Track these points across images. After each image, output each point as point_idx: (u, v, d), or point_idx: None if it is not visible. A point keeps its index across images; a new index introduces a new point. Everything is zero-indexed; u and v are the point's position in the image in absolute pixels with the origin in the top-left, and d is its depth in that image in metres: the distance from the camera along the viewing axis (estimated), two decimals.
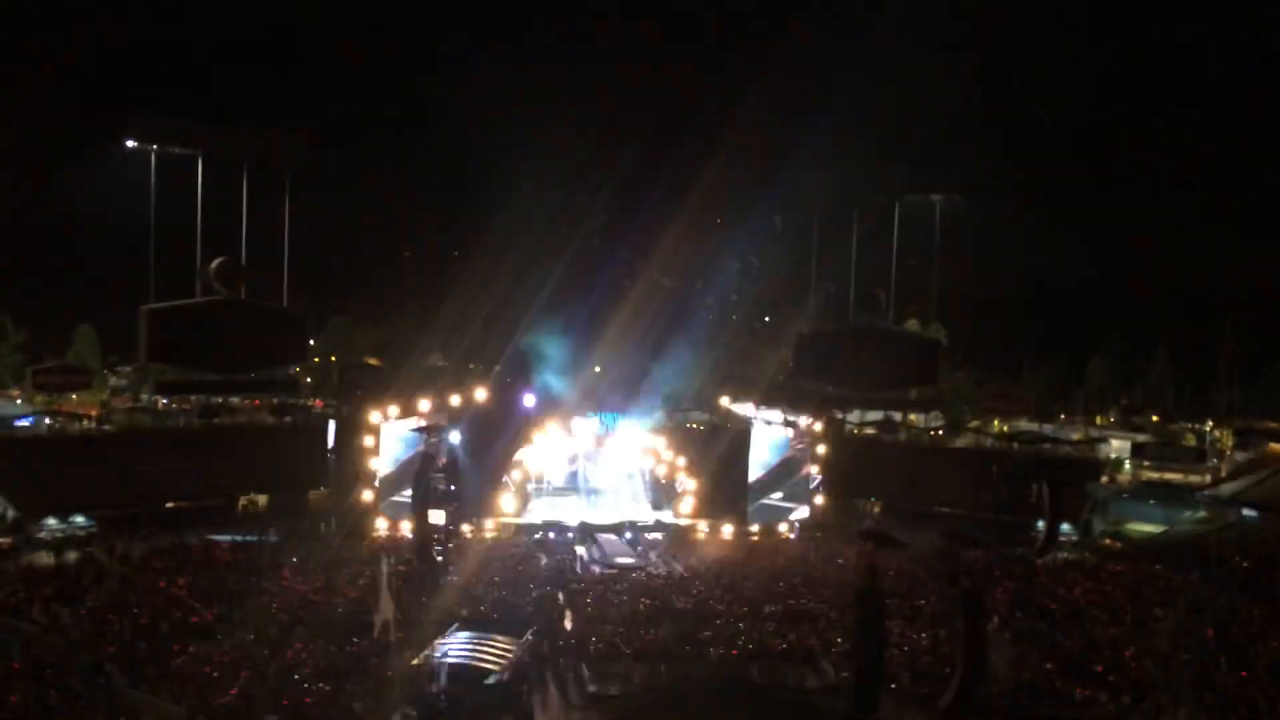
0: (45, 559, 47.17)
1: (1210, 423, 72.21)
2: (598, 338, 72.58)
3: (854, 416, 70.86)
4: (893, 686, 35.33)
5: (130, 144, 62.14)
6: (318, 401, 72.99)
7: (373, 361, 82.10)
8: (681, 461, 60.26)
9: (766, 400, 65.03)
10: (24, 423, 57.30)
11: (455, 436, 55.86)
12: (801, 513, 60.13)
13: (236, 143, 64.62)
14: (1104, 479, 62.53)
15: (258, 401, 64.98)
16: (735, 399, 63.04)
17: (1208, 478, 63.66)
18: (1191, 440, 71.04)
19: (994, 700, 34.88)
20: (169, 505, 56.69)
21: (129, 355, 67.38)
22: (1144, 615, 42.02)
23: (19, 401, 67.17)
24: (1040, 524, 56.48)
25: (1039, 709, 34.46)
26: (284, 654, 35.49)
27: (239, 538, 50.64)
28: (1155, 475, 65.22)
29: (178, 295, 62.41)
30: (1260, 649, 36.95)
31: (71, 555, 47.36)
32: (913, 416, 72.43)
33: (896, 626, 39.04)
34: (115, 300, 69.23)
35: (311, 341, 76.37)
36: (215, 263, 62.48)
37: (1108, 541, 56.88)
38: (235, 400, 64.28)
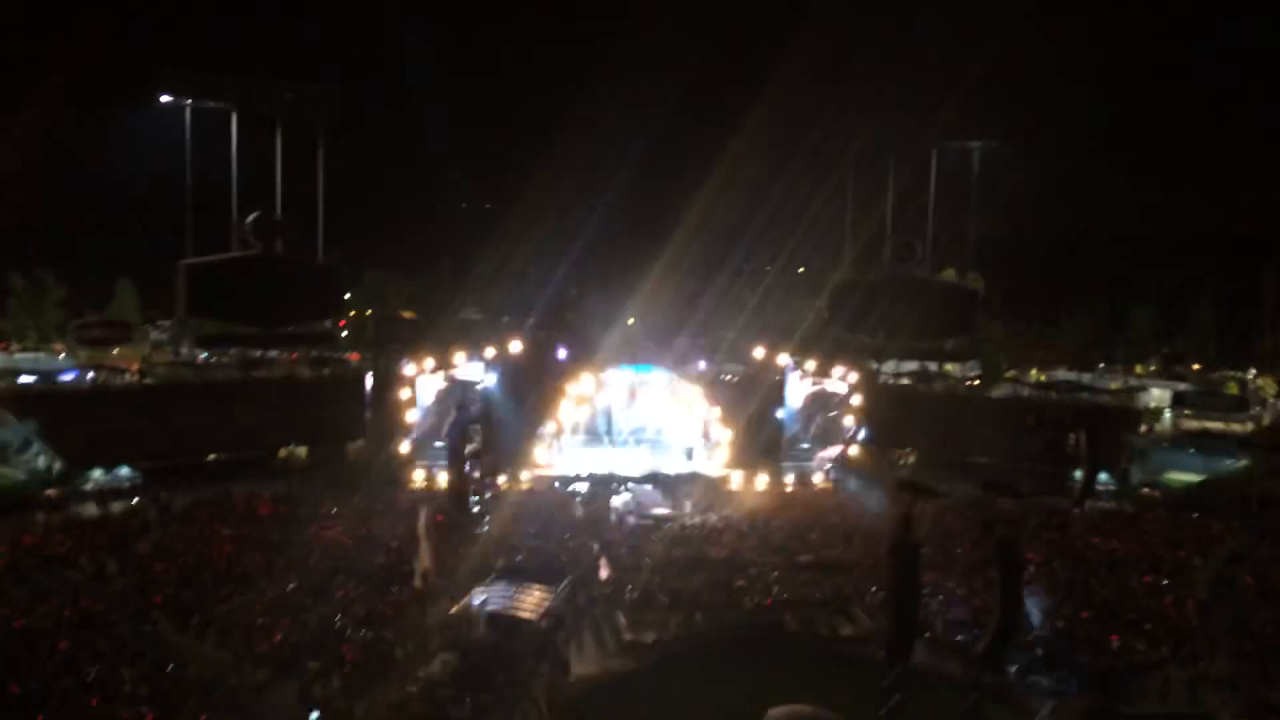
0: (92, 510, 48.19)
1: (1253, 371, 71.10)
2: (632, 289, 72.47)
3: (889, 367, 70.39)
4: (926, 635, 35.42)
5: (164, 99, 62.35)
6: (354, 355, 73.57)
7: (408, 314, 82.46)
8: (716, 412, 60.25)
9: (802, 351, 64.72)
10: (67, 377, 58.15)
11: (490, 387, 56.25)
12: (833, 455, 60.18)
13: (270, 96, 64.63)
14: (1143, 428, 61.86)
15: (295, 355, 65.50)
16: (770, 349, 62.81)
17: (1250, 426, 62.80)
18: (1233, 388, 69.98)
19: (1028, 648, 34.95)
20: (210, 457, 57.64)
21: (168, 310, 67.96)
22: (1182, 564, 41.79)
23: (61, 356, 68.24)
24: (1078, 473, 56.38)
25: (1074, 656, 34.46)
26: (325, 602, 36.16)
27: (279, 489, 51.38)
28: (1195, 424, 64.39)
29: (215, 250, 62.87)
30: None
31: (117, 506, 48.36)
32: (949, 366, 71.86)
33: (931, 576, 38.99)
34: (153, 256, 69.91)
35: (347, 295, 76.88)
36: (251, 217, 62.80)
37: (1146, 490, 56.42)
38: (273, 354, 64.80)
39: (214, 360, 64.18)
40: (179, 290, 61.29)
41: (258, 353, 64.29)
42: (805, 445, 61.73)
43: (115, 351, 65.29)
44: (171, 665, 30.75)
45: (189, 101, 62.64)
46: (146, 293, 78.97)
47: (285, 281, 63.54)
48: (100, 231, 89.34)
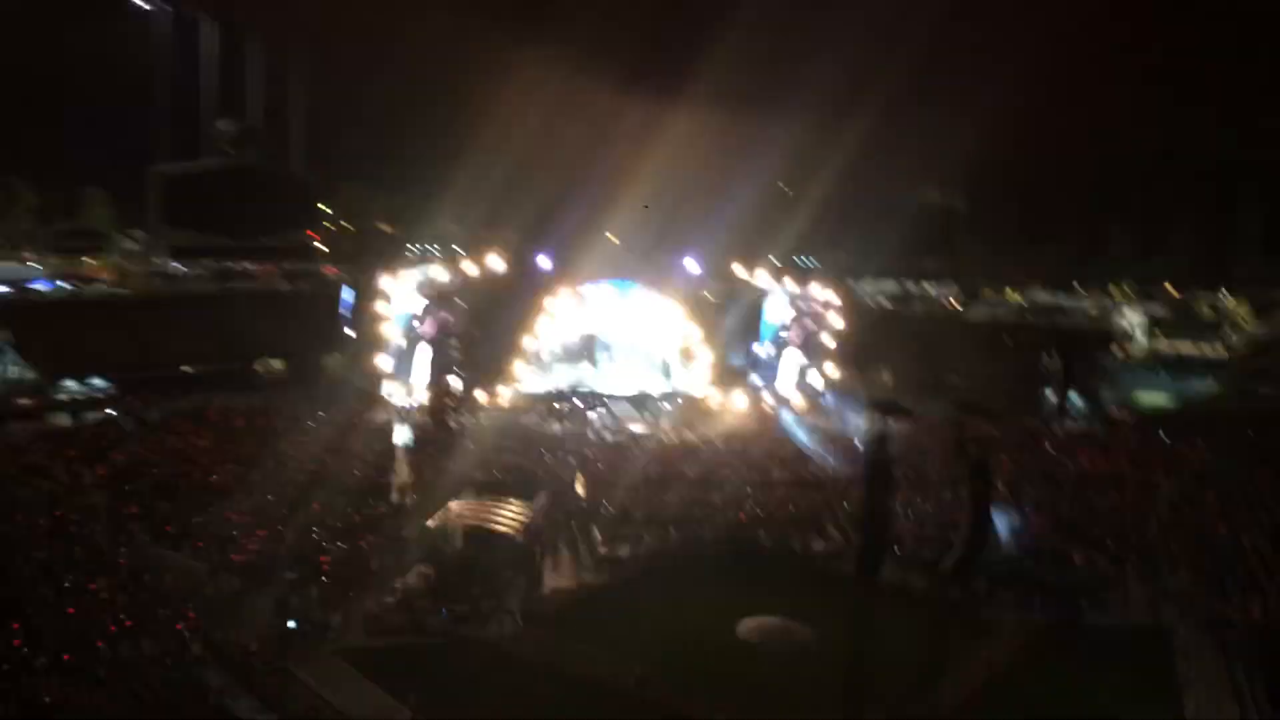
0: (66, 421, 47.98)
1: (1225, 293, 71.43)
2: (613, 201, 71.70)
3: (869, 287, 70.38)
4: (897, 551, 35.93)
5: (139, 2, 60.63)
6: (331, 268, 72.96)
7: (386, 228, 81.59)
8: (696, 330, 60.20)
9: (783, 270, 64.56)
10: (38, 286, 57.43)
11: (469, 305, 56.00)
12: (814, 383, 60.35)
13: (248, 3, 62.93)
14: (1116, 350, 62.33)
15: (272, 267, 64.87)
16: (750, 268, 62.59)
17: (1221, 350, 63.39)
18: (1207, 312, 70.39)
19: (996, 564, 35.56)
20: (185, 369, 57.32)
21: (140, 219, 67.01)
22: (1148, 483, 42.41)
23: (30, 264, 67.33)
24: (1052, 395, 56.97)
25: (1040, 572, 35.12)
26: (301, 514, 36.32)
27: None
28: (1168, 347, 64.98)
29: (188, 160, 61.81)
30: (1262, 515, 37.43)
31: (91, 417, 48.17)
32: (928, 286, 71.98)
33: (904, 494, 39.43)
34: (125, 163, 68.59)
35: (324, 207, 75.90)
36: (226, 126, 61.62)
37: (1117, 412, 57.05)
38: (250, 266, 64.14)
39: (189, 271, 63.48)
40: (152, 199, 60.42)
41: (233, 264, 63.61)
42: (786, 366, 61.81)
43: (88, 260, 64.51)
44: (147, 575, 30.87)
45: (165, 5, 60.93)
46: (117, 201, 77.73)
47: (259, 192, 62.74)
48: (69, 138, 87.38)
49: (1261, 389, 55.45)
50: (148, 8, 59.74)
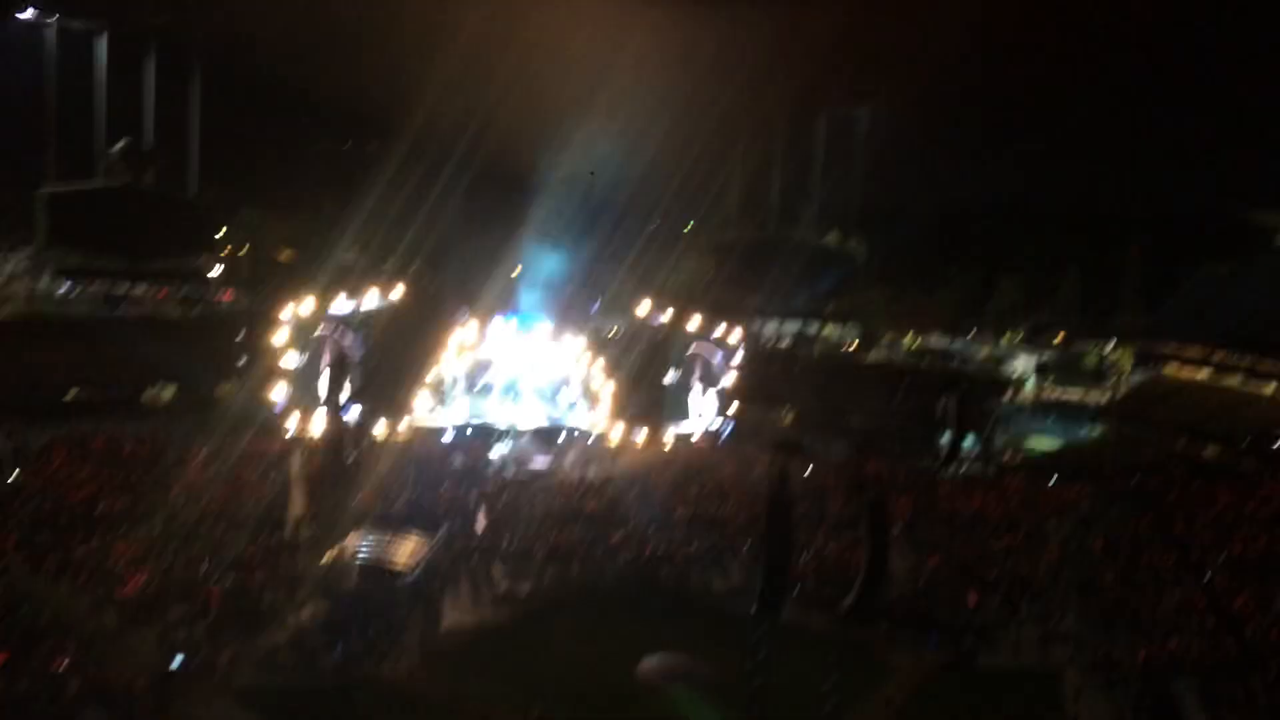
0: None
1: (1113, 343, 74.37)
2: (515, 237, 71.48)
3: (771, 329, 71.47)
4: (798, 589, 36.29)
5: (26, 15, 58.66)
6: (227, 294, 70.99)
7: (286, 255, 79.94)
8: (600, 366, 60.24)
9: (686, 308, 65.05)
10: None
11: (369, 333, 55.12)
12: (715, 421, 60.78)
13: (143, 16, 61.36)
14: (1007, 396, 64.37)
15: (165, 292, 62.89)
16: (654, 306, 62.99)
17: (1106, 396, 65.95)
18: (1093, 360, 73.21)
19: (893, 603, 36.20)
20: (70, 396, 55.07)
21: (24, 239, 64.40)
22: (1038, 526, 43.72)
23: None
24: (945, 438, 58.42)
25: (935, 611, 35.87)
26: (191, 547, 35.12)
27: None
28: (1056, 393, 67.35)
29: (77, 180, 59.81)
30: (1145, 558, 38.89)
31: None
32: (827, 328, 73.38)
33: (804, 533, 39.91)
34: (11, 182, 65.91)
35: (221, 232, 74.05)
36: (119, 145, 59.85)
37: (1008, 456, 58.78)
38: (139, 290, 62.08)
39: (75, 294, 61.14)
40: (38, 219, 58.21)
41: (123, 289, 61.53)
42: (687, 404, 62.20)
43: None
44: (26, 607, 29.45)
45: (54, 18, 59.05)
46: (2, 223, 74.64)
47: (154, 215, 61.07)
48: None
49: (1139, 434, 57.73)
50: (32, 19, 57.76)
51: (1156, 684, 29.89)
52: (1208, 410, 57.82)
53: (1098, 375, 69.85)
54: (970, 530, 43.53)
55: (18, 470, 41.59)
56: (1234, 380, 59.90)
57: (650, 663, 31.42)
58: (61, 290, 61.22)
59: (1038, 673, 32.27)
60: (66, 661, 26.67)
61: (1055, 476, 52.16)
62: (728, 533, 41.94)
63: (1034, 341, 76.74)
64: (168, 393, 58.35)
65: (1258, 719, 27.24)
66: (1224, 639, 32.21)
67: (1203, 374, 61.70)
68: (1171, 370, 63.89)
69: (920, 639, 34.26)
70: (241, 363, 59.70)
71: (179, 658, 28.14)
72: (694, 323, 61.97)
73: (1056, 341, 76.58)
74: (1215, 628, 33.01)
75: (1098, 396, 66.52)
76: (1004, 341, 77.05)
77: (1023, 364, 69.96)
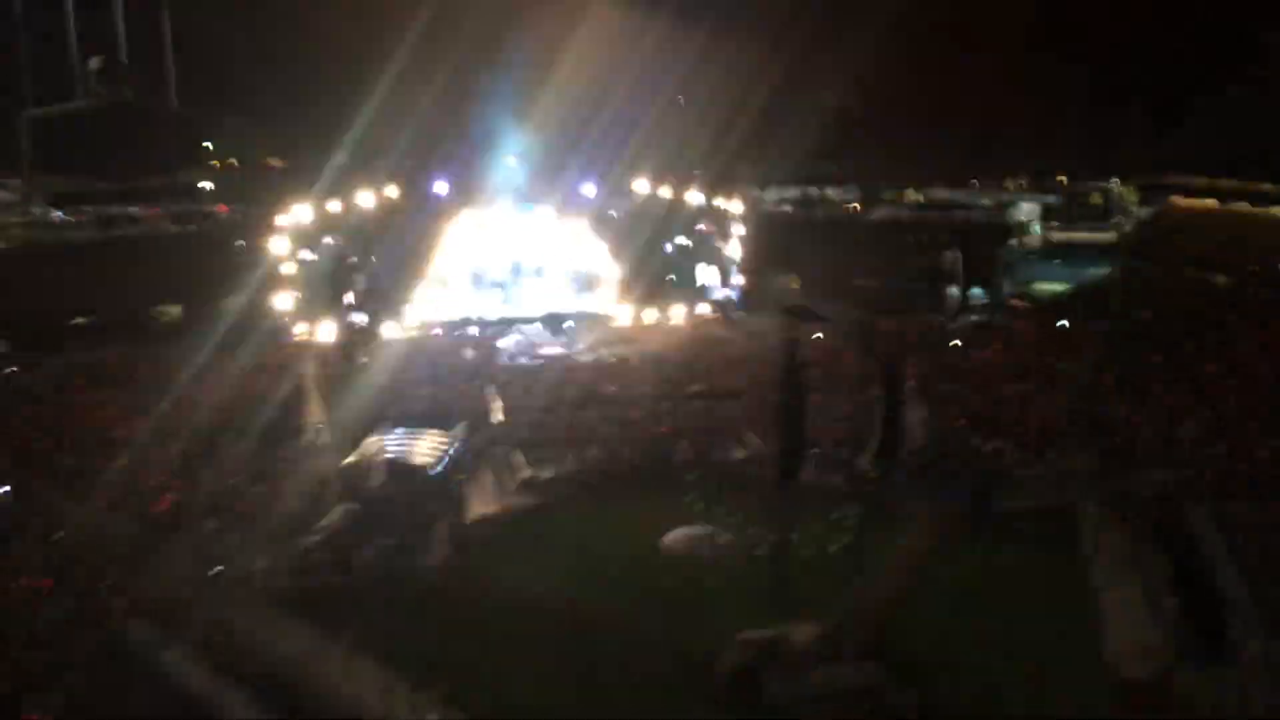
0: None
1: (1117, 180, 73.28)
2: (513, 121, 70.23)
3: (771, 195, 70.61)
4: (814, 451, 36.68)
5: None
6: (221, 206, 70.33)
7: (277, 162, 78.84)
8: (604, 248, 59.91)
9: (685, 181, 64.28)
10: None
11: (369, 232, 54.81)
12: (722, 293, 60.67)
13: None
14: (1014, 242, 63.86)
15: (158, 210, 62.30)
16: (655, 183, 62.22)
17: (1113, 235, 65.33)
18: (1098, 199, 72.25)
19: (909, 458, 36.70)
20: (77, 321, 55.11)
21: (12, 168, 63.63)
22: (1049, 370, 43.87)
23: None
24: (954, 289, 58.32)
25: (950, 462, 36.33)
26: (215, 461, 35.62)
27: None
28: (1062, 235, 66.73)
29: (57, 101, 58.69)
30: (1155, 394, 39.10)
31: None
32: (829, 191, 72.46)
33: (818, 397, 40.13)
34: None
35: (208, 144, 72.99)
36: (94, 64, 58.54)
37: (1016, 302, 58.61)
38: (134, 210, 61.52)
39: (70, 219, 60.67)
40: (23, 145, 57.42)
41: (116, 209, 60.99)
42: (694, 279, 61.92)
43: None
44: (61, 533, 30.09)
45: None
46: None
47: (138, 132, 60.03)
48: None
49: (1149, 269, 57.32)
50: None
51: (1170, 512, 30.41)
52: (1217, 240, 57.22)
53: (1104, 213, 69.06)
54: (984, 379, 43.75)
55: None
56: (1243, 207, 59.11)
57: (675, 535, 32.04)
58: (55, 215, 60.64)
59: (1054, 511, 32.75)
60: (107, 582, 27.30)
61: (1066, 319, 52.10)
62: (743, 403, 42.27)
63: (1037, 185, 75.70)
64: (173, 311, 58.33)
65: (1269, 537, 27.70)
66: (1236, 465, 32.57)
67: (1209, 203, 60.89)
68: (1178, 202, 63.04)
69: (937, 490, 34.74)
70: (244, 274, 59.52)
71: (217, 568, 28.77)
72: (694, 196, 61.37)
73: (1061, 182, 75.53)
74: (1228, 454, 33.35)
75: (1106, 235, 65.89)
76: (1007, 187, 76.02)
77: (1027, 209, 69.07)
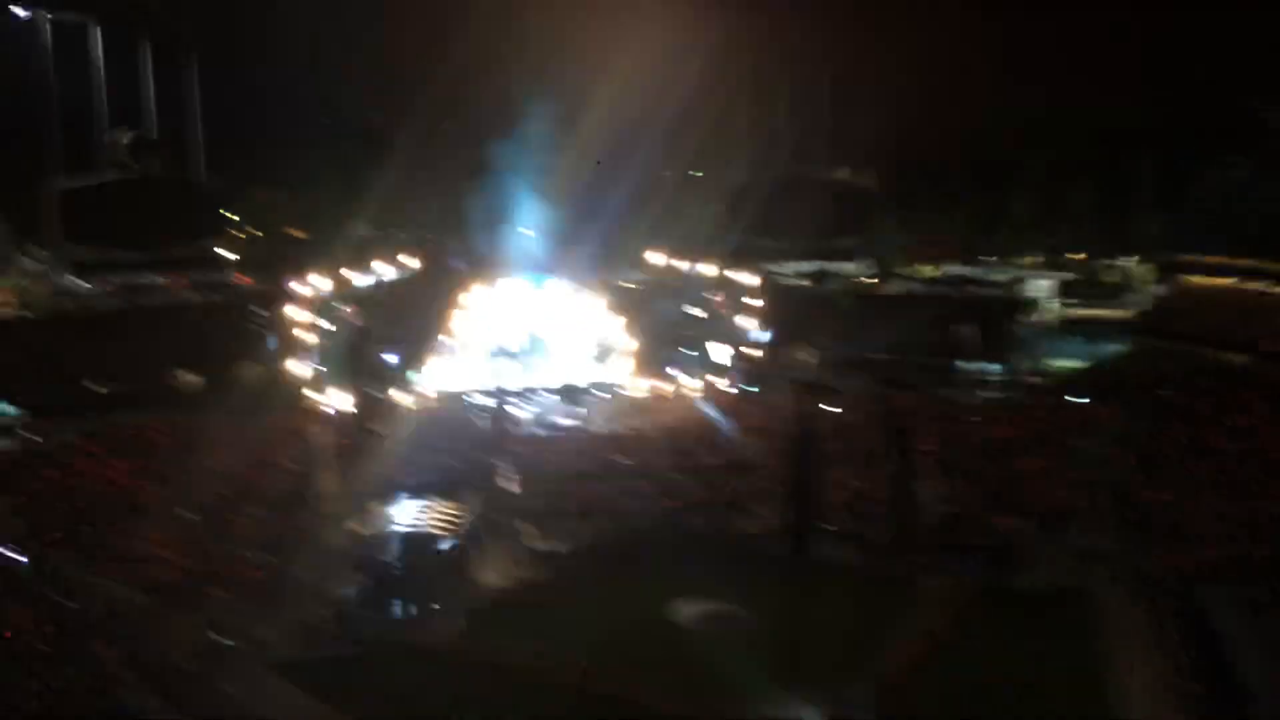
0: None
1: (1134, 258, 73.46)
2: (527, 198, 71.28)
3: (788, 268, 71.08)
4: (827, 527, 36.46)
5: (22, 13, 58.47)
6: (243, 276, 71.20)
7: (297, 233, 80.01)
8: (619, 321, 60.16)
9: (700, 256, 64.78)
10: None
11: (387, 304, 55.32)
12: (737, 366, 60.67)
13: (133, 6, 61.08)
14: (1029, 318, 63.88)
15: (182, 280, 63.15)
16: (670, 255, 62.75)
17: (1130, 312, 65.31)
18: (1114, 277, 72.42)
19: (926, 531, 36.37)
20: (98, 389, 55.59)
21: (38, 237, 64.74)
22: (1066, 446, 43.55)
23: None
24: (969, 364, 58.24)
25: (968, 537, 35.99)
26: (229, 529, 35.64)
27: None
28: (1079, 312, 66.74)
29: (83, 174, 59.95)
30: (1173, 472, 38.72)
31: (2, 443, 46.54)
32: (845, 265, 72.88)
33: (831, 470, 39.99)
34: (19, 181, 66.07)
35: (231, 215, 74.23)
36: (124, 136, 59.86)
37: (1033, 378, 58.41)
38: (158, 280, 62.39)
39: (95, 289, 61.51)
40: (50, 217, 58.47)
41: (140, 279, 61.87)
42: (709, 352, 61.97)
43: None
44: (75, 603, 30.06)
45: (46, 15, 58.86)
46: (15, 221, 74.88)
47: (164, 203, 61.11)
48: None
49: (1166, 347, 57.15)
50: (25, 15, 57.58)
51: (1189, 595, 29.97)
52: (1233, 318, 57.14)
53: (1121, 290, 69.14)
54: (1000, 454, 43.44)
55: None
56: (1258, 285, 59.09)
57: (689, 610, 31.77)
58: (81, 285, 61.49)
59: (1073, 591, 32.32)
60: (113, 649, 27.20)
61: (1083, 395, 51.82)
62: (757, 476, 42.10)
63: (1053, 261, 75.97)
64: (193, 379, 58.76)
65: None
66: (1257, 547, 32.16)
67: (1226, 282, 60.91)
68: (1194, 280, 63.08)
69: (954, 566, 34.39)
70: (263, 343, 60.05)
71: (224, 637, 28.65)
72: (709, 269, 61.78)
73: (1077, 260, 75.81)
74: (1249, 536, 32.96)
75: (1122, 312, 65.88)
76: (1023, 263, 76.32)
77: (1043, 284, 69.22)
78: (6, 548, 33.54)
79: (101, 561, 33.45)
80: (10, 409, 50.68)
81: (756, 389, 57.80)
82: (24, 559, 32.90)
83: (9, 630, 27.73)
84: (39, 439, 46.53)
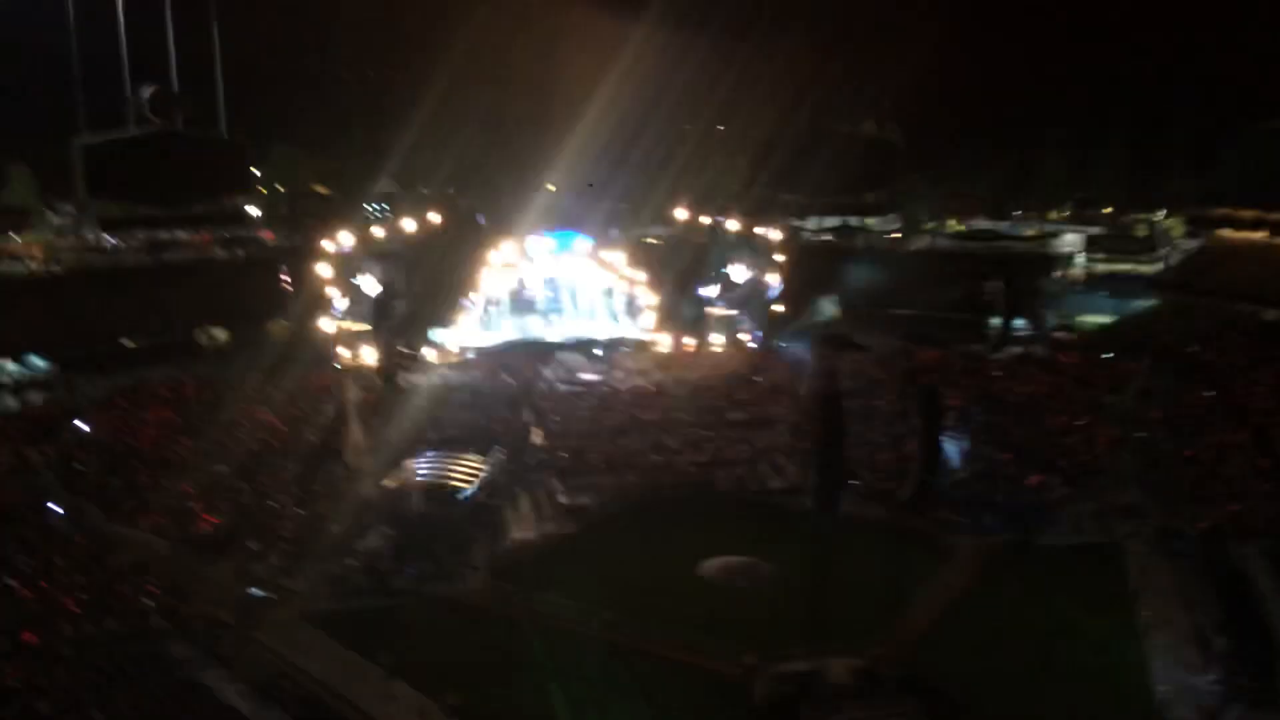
0: (9, 403, 46.81)
1: (1163, 212, 72.53)
2: (551, 154, 70.89)
3: (811, 223, 70.57)
4: (853, 483, 36.41)
5: None
6: (268, 233, 71.36)
7: (322, 190, 79.94)
8: (642, 276, 59.96)
9: (724, 210, 64.35)
10: None
11: (412, 260, 55.27)
12: (761, 321, 60.45)
13: None
14: (1057, 273, 63.28)
15: (208, 236, 63.38)
16: (693, 211, 62.31)
17: (1158, 267, 64.59)
18: (1143, 231, 71.53)
19: (950, 490, 36.32)
20: (127, 344, 56.06)
21: (66, 193, 64.93)
22: (1094, 403, 43.26)
23: None
24: (995, 320, 57.76)
25: (994, 493, 35.92)
26: (258, 482, 36.03)
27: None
28: (1107, 267, 66.04)
29: (108, 129, 59.99)
30: (1207, 431, 38.36)
31: (34, 397, 47.08)
32: (869, 220, 72.30)
33: (856, 427, 39.87)
34: (45, 136, 66.17)
35: (256, 171, 74.19)
36: (146, 92, 59.80)
37: (1060, 334, 57.95)
38: (184, 235, 62.63)
39: (122, 244, 61.81)
40: (76, 172, 58.65)
41: (166, 235, 62.12)
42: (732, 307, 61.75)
43: (15, 238, 62.57)
44: (107, 553, 30.53)
45: None
46: (42, 176, 75.11)
47: (188, 159, 61.17)
48: None
49: (1195, 302, 56.47)
50: None
51: (1218, 550, 29.84)
52: (1264, 273, 56.32)
53: (1149, 245, 68.33)
54: (1027, 410, 43.22)
55: None
56: None
57: (712, 564, 31.92)
58: (108, 241, 61.78)
59: (1101, 547, 32.25)
60: (149, 599, 27.65)
61: (1112, 351, 51.37)
62: (780, 432, 42.12)
63: (1081, 215, 75.10)
64: (221, 333, 59.19)
65: None
66: None
67: (1258, 236, 59.96)
68: (1225, 234, 62.14)
69: (982, 522, 34.36)
70: (289, 299, 60.30)
71: (257, 588, 29.06)
72: (734, 224, 61.32)
73: (1105, 214, 74.92)
74: (1278, 492, 32.72)
75: (1150, 267, 65.17)
76: (1051, 218, 75.52)
77: (1071, 240, 68.47)
78: (42, 500, 34.12)
79: (135, 513, 33.96)
80: (41, 363, 51.24)
81: (782, 344, 57.58)
82: (60, 510, 33.47)
83: (46, 580, 28.27)
84: (69, 392, 47.05)
